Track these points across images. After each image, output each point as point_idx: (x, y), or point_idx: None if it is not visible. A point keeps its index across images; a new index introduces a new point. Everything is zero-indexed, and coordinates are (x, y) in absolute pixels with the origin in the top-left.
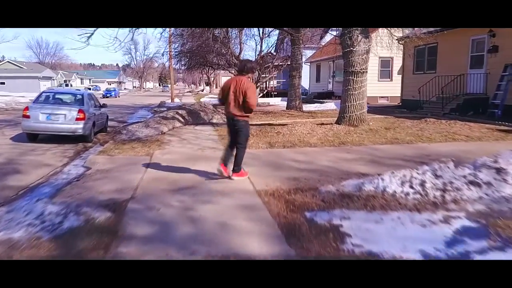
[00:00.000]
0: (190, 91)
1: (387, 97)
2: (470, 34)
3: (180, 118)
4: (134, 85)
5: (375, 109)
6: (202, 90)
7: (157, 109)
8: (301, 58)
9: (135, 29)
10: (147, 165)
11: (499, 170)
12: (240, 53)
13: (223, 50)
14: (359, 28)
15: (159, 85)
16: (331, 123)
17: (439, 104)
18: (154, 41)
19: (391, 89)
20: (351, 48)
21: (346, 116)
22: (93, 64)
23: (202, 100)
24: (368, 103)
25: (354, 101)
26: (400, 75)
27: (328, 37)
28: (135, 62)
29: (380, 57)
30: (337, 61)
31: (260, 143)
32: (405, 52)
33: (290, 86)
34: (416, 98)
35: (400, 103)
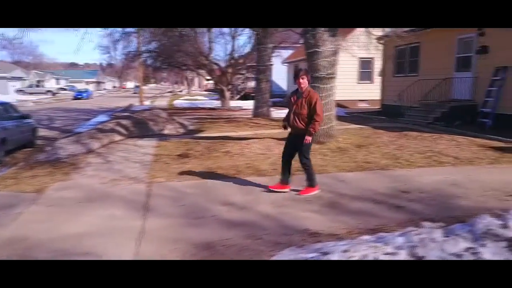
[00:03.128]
0: (170, 92)
1: (368, 100)
2: (456, 33)
3: (122, 130)
4: (115, 85)
5: (352, 116)
6: (181, 91)
7: (118, 114)
8: (270, 59)
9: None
10: (20, 213)
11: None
12: (210, 52)
13: (191, 49)
14: None
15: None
16: None
17: (422, 112)
18: (135, 39)
19: (371, 92)
20: (315, 49)
21: None
22: (76, 64)
23: (175, 102)
24: (346, 107)
25: None
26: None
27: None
28: (115, 62)
29: (359, 58)
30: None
31: (198, 169)
32: (385, 52)
33: (257, 90)
34: (397, 104)
35: (380, 109)
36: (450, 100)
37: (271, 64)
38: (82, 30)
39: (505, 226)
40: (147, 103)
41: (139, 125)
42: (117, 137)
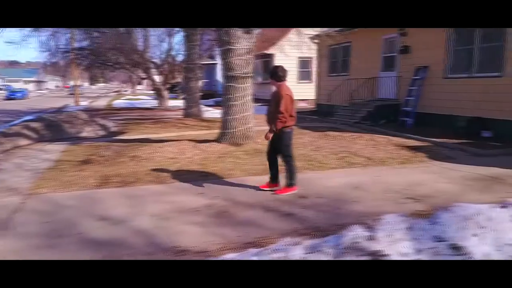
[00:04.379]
0: (117, 91)
1: (307, 100)
2: (381, 33)
3: (31, 134)
4: (57, 84)
5: None
6: (126, 91)
7: (45, 116)
8: (199, 58)
9: None
10: None
11: (375, 258)
12: (145, 50)
13: (125, 47)
14: None
15: (90, 84)
16: (213, 140)
17: (350, 111)
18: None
19: (311, 91)
20: (229, 46)
21: (228, 132)
22: (17, 62)
23: (115, 102)
24: None
25: (237, 113)
26: None
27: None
28: (61, 59)
29: (299, 57)
30: (256, 61)
31: (94, 176)
32: (320, 52)
33: (186, 90)
34: (330, 103)
35: (316, 108)
36: (377, 99)
37: (214, 63)
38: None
39: (371, 238)
40: (84, 103)
41: (52, 127)
42: (23, 142)
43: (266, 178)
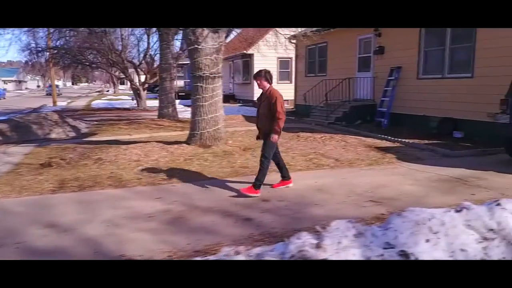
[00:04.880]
0: (99, 91)
1: (287, 100)
2: (357, 34)
3: None
4: (39, 84)
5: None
6: (108, 91)
7: (13, 117)
8: (174, 57)
9: None
10: None
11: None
12: (123, 50)
13: (102, 46)
14: None
15: (72, 84)
16: (183, 142)
17: (325, 112)
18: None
19: (291, 92)
20: (196, 46)
21: (197, 134)
22: None
23: (94, 102)
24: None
25: (205, 114)
26: None
27: (230, 36)
28: (36, 59)
29: (278, 58)
30: (236, 61)
31: (51, 180)
32: (297, 52)
33: (160, 90)
34: (308, 104)
35: (294, 109)
36: (353, 100)
37: (185, 64)
38: None
39: (318, 246)
40: (63, 103)
41: (20, 129)
42: None
43: (233, 179)
